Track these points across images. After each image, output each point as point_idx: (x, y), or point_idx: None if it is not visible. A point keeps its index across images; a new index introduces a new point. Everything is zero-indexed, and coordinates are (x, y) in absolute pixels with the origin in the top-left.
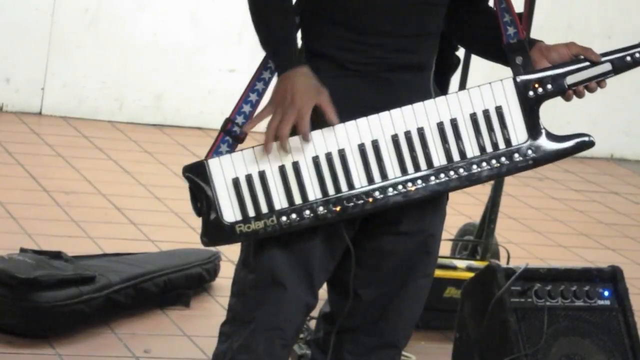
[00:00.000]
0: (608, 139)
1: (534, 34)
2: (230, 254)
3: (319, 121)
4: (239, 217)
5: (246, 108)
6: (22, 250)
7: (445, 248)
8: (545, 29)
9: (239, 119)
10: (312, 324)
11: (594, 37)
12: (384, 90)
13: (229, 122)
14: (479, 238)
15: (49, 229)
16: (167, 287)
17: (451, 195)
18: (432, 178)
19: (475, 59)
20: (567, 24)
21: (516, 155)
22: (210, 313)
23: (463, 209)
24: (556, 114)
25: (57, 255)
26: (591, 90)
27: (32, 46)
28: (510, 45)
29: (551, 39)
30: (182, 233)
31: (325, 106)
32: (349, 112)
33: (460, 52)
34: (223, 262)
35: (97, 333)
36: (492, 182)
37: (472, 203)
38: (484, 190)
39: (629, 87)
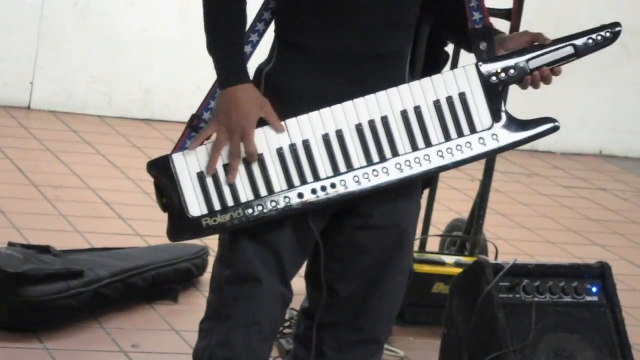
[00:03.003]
0: (597, 135)
1: (524, 28)
2: None
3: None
4: (205, 211)
5: (213, 104)
6: (11, 245)
7: (434, 244)
8: (535, 25)
9: (206, 116)
10: None
11: None
12: (357, 82)
13: (195, 118)
14: (468, 234)
15: (37, 224)
16: (156, 281)
17: (439, 191)
18: (398, 166)
19: (464, 55)
20: (557, 21)
21: (481, 140)
22: (198, 308)
23: (452, 204)
24: (545, 111)
25: (45, 249)
26: (556, 74)
27: (22, 40)
28: (475, 30)
29: None
30: None
31: (269, 118)
32: (319, 104)
33: (450, 48)
34: (211, 257)
35: (85, 328)
36: (480, 178)
37: (460, 199)
38: (472, 186)
39: (618, 84)
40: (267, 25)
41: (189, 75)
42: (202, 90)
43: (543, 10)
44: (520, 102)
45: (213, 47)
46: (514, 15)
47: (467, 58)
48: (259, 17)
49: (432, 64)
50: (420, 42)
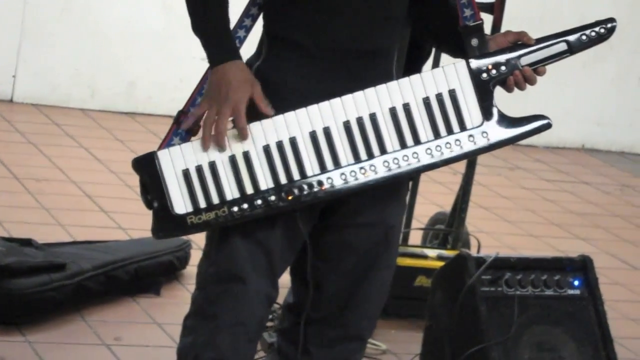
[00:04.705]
0: (580, 129)
1: (507, 23)
2: (201, 242)
3: (257, 113)
4: (190, 209)
5: (200, 101)
6: None
7: (416, 237)
8: (519, 18)
9: None
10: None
11: (566, 25)
12: (345, 78)
13: (181, 114)
14: (450, 227)
15: (19, 216)
16: (138, 274)
17: (422, 184)
18: (386, 164)
19: None
20: (540, 14)
21: (471, 138)
22: (180, 301)
23: (434, 198)
24: (528, 104)
25: (27, 242)
26: (540, 74)
27: (4, 33)
28: (466, 27)
29: (524, 28)
30: None
31: (258, 99)
32: (308, 100)
33: None
34: (194, 250)
35: (67, 320)
36: (463, 171)
37: (443, 192)
38: (455, 180)
39: (600, 78)
40: (254, 20)
41: (172, 68)
42: (185, 84)
43: (526, 3)
44: (504, 95)
45: (198, 26)
46: (496, 8)
47: None
48: (246, 13)
49: (415, 57)
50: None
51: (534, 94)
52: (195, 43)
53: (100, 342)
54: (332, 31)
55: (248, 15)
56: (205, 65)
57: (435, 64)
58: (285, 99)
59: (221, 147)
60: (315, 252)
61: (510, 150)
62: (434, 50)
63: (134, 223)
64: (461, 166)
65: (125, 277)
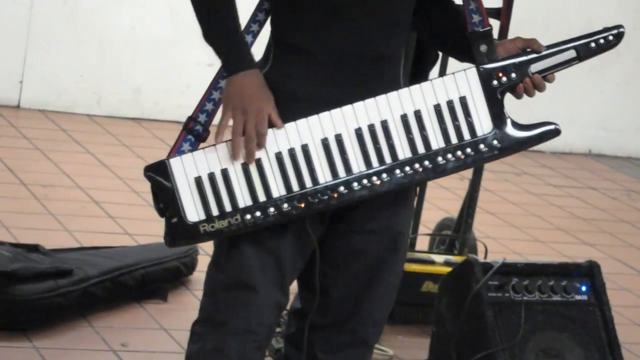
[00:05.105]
0: (586, 134)
1: (513, 27)
2: (208, 248)
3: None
4: (203, 217)
5: (209, 106)
6: None
7: (423, 242)
8: (525, 22)
9: (202, 117)
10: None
11: (572, 30)
12: (353, 84)
13: (191, 120)
14: (457, 232)
15: (26, 222)
16: (145, 280)
17: (429, 190)
18: (397, 171)
19: None
20: (546, 18)
21: (482, 145)
22: (187, 307)
23: (441, 203)
24: (534, 110)
25: (34, 248)
26: (549, 81)
27: (11, 39)
28: (474, 33)
29: (530, 33)
30: (160, 227)
31: (271, 113)
32: (316, 106)
33: None
34: (201, 256)
35: (74, 326)
36: (470, 177)
37: (450, 198)
38: (461, 185)
39: (607, 83)
40: (261, 25)
41: (178, 73)
42: (192, 89)
43: (532, 7)
44: (510, 100)
45: (209, 36)
46: (503, 14)
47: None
48: (253, 18)
49: (422, 63)
50: (409, 41)
51: (540, 99)
52: (202, 49)
53: (107, 348)
54: (339, 37)
55: (255, 21)
56: (212, 71)
57: (442, 70)
58: (294, 106)
59: (251, 154)
60: (323, 258)
61: (517, 156)
62: (440, 55)
63: (141, 229)
64: (468, 172)
65: (132, 283)
